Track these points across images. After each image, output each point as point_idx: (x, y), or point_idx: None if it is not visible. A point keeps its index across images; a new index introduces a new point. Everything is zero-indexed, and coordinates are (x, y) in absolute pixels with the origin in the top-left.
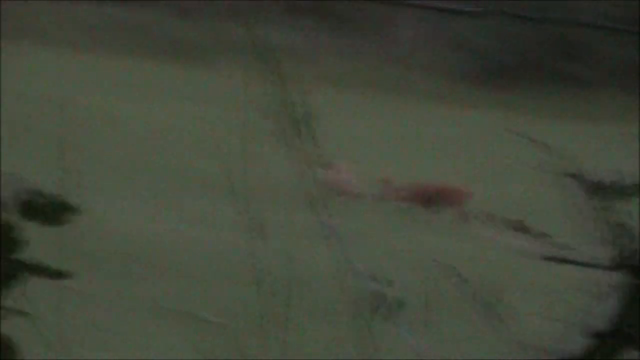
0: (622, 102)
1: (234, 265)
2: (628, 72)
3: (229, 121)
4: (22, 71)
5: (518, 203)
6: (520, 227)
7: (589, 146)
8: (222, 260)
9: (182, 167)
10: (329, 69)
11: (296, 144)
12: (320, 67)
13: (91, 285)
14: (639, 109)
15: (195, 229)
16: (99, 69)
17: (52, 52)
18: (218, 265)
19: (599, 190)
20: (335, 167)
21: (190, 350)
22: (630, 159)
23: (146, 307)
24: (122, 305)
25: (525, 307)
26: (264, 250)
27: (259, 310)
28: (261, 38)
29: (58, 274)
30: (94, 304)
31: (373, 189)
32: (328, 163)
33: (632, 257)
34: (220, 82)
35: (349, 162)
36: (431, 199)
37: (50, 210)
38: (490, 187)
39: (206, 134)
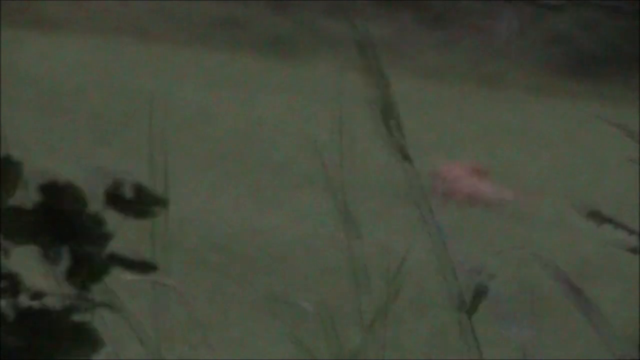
0: None
1: (333, 259)
2: None
3: (326, 115)
4: (120, 66)
5: (610, 194)
6: (604, 218)
7: None
8: (321, 254)
9: (279, 161)
10: (426, 63)
11: (393, 138)
12: (417, 61)
13: (189, 282)
14: None
15: (293, 223)
16: (195, 63)
17: (149, 46)
18: (317, 260)
19: None
20: (447, 168)
21: (292, 344)
22: None
23: (246, 302)
24: (221, 301)
25: (608, 296)
26: (363, 244)
27: (358, 304)
28: (358, 32)
29: (148, 267)
30: (193, 301)
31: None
32: (439, 165)
33: None
34: (317, 76)
35: (460, 162)
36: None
37: (138, 202)
38: (585, 178)
39: (303, 128)
